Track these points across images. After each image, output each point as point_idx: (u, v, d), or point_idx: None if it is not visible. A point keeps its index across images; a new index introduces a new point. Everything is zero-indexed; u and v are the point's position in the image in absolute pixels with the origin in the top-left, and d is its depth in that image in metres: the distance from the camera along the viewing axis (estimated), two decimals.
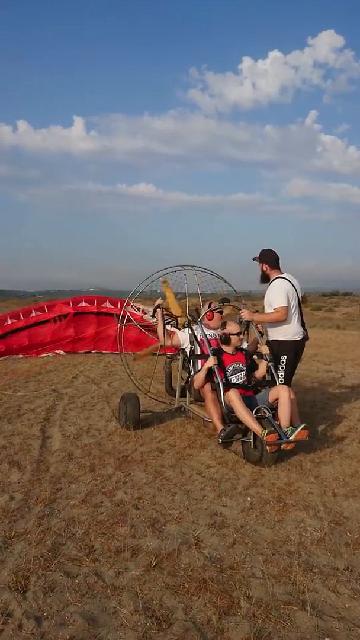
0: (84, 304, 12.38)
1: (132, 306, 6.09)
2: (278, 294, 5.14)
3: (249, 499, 3.83)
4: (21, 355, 11.54)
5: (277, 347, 5.22)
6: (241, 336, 5.19)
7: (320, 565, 2.93)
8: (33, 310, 12.26)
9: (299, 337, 5.27)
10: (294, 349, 5.25)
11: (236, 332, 5.03)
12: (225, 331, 5.06)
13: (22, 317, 11.99)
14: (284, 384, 5.07)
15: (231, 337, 5.03)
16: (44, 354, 11.83)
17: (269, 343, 5.33)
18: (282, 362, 5.18)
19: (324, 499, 3.83)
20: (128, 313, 6.03)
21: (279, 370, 5.16)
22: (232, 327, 5.05)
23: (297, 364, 5.37)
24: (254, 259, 5.43)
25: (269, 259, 5.33)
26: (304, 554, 3.04)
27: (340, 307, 48.58)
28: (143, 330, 6.18)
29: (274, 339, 5.28)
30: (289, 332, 5.21)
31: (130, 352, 8.80)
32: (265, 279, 5.40)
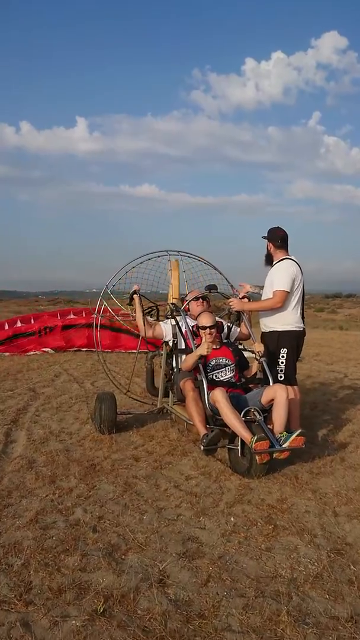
0: (72, 316, 12.29)
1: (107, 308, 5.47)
2: (282, 277, 4.47)
3: (232, 519, 3.18)
4: (7, 354, 10.99)
5: (276, 339, 4.54)
6: (219, 330, 4.52)
7: (316, 612, 2.27)
8: (19, 321, 12.20)
9: (301, 326, 4.61)
10: (296, 340, 4.58)
11: (208, 325, 4.36)
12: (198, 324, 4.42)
13: (7, 327, 11.93)
14: (286, 382, 4.42)
15: (201, 330, 4.39)
16: (31, 352, 11.26)
17: (265, 335, 4.66)
18: (282, 357, 4.50)
19: (322, 520, 3.18)
20: (105, 303, 5.37)
21: (279, 365, 4.49)
22: (203, 320, 4.39)
23: (297, 359, 4.70)
24: (263, 237, 4.79)
25: (273, 237, 4.66)
26: (296, 596, 2.39)
27: (343, 308, 47.93)
28: (120, 320, 5.53)
29: (271, 329, 4.59)
30: (290, 320, 4.53)
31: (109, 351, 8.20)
32: (269, 260, 4.74)
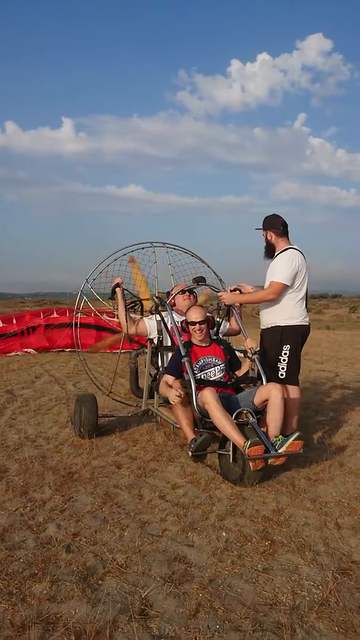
0: (55, 315, 11.89)
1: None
2: (284, 267, 4.04)
3: (224, 534, 2.83)
4: None
5: (278, 335, 4.12)
6: (209, 325, 4.18)
7: None
8: (0, 321, 11.72)
9: (307, 321, 4.21)
10: (300, 336, 4.19)
11: (198, 321, 4.01)
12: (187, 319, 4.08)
13: None
14: (289, 381, 4.08)
15: (190, 326, 4.05)
16: (13, 352, 10.84)
17: (266, 332, 4.25)
18: (285, 354, 4.10)
19: (324, 534, 2.85)
20: (85, 299, 5.00)
21: (280, 363, 4.11)
22: (192, 314, 4.03)
23: (300, 357, 4.31)
24: (257, 228, 4.36)
25: (274, 224, 4.21)
26: (300, 628, 2.05)
27: (329, 309, 48.05)
28: (101, 316, 5.17)
29: (272, 324, 4.18)
30: (294, 314, 4.12)
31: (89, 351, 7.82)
32: (271, 250, 4.27)
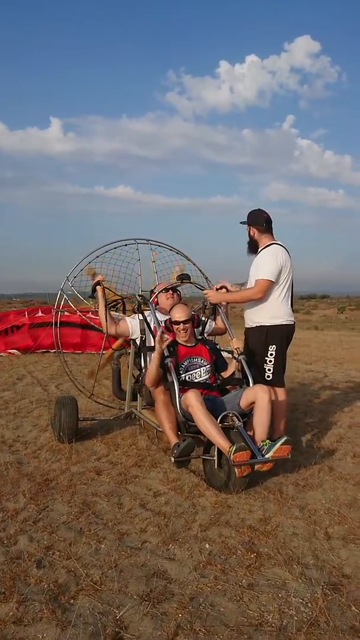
0: (40, 313, 11.52)
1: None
2: (268, 264, 3.91)
3: (207, 546, 2.66)
4: None
5: (264, 335, 3.99)
6: (195, 324, 4.03)
7: None
8: None
9: (292, 320, 4.09)
10: (286, 336, 4.06)
11: (182, 320, 3.85)
12: (172, 317, 3.91)
13: None
14: (275, 382, 3.93)
15: (174, 325, 3.88)
16: None
17: (251, 331, 4.12)
18: (271, 354, 3.96)
19: (313, 545, 2.69)
20: (65, 297, 4.80)
21: (267, 364, 3.97)
22: (177, 313, 3.87)
23: (286, 357, 4.16)
24: (241, 222, 4.23)
25: (257, 220, 4.09)
26: None
27: (318, 309, 48.11)
28: (83, 315, 4.97)
29: (258, 324, 4.04)
30: (280, 313, 3.99)
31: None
32: (254, 246, 4.16)
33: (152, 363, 3.72)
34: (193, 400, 3.34)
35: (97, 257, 4.82)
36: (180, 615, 2.09)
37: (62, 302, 4.84)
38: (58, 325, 5.03)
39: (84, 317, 5.14)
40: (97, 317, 4.54)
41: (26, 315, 11.58)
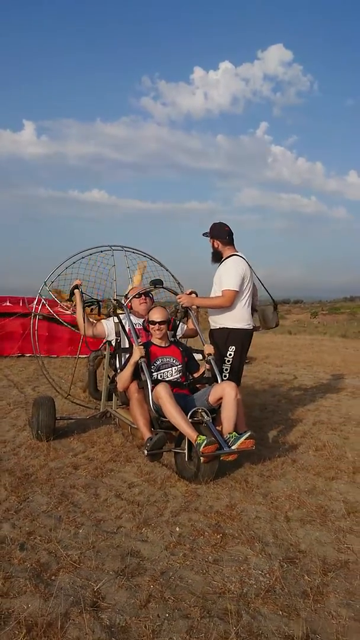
0: (8, 303, 11.10)
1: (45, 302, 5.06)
2: (231, 275, 4.26)
3: (177, 529, 2.91)
4: None
5: (225, 336, 4.32)
6: (170, 327, 4.28)
7: (269, 632, 2.03)
8: None
9: (250, 325, 4.42)
10: (244, 339, 4.38)
11: (158, 321, 4.10)
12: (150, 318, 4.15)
13: None
14: (231, 380, 4.20)
15: (150, 325, 4.13)
16: None
17: (214, 332, 4.43)
18: (230, 354, 4.28)
19: (274, 527, 2.96)
20: (43, 300, 5.00)
21: (225, 364, 4.28)
22: (154, 315, 4.12)
23: (244, 359, 4.49)
24: (204, 234, 4.54)
25: (220, 234, 4.43)
26: (246, 614, 2.14)
27: (291, 314, 48.95)
28: (58, 317, 5.16)
29: (221, 326, 4.37)
30: (240, 317, 4.32)
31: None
32: (217, 257, 4.49)
33: (126, 369, 3.95)
34: (162, 392, 3.57)
35: (74, 262, 5.02)
36: (152, 586, 2.33)
37: (40, 307, 5.03)
38: (37, 328, 5.20)
39: (59, 318, 5.31)
40: (69, 314, 4.74)
41: None
